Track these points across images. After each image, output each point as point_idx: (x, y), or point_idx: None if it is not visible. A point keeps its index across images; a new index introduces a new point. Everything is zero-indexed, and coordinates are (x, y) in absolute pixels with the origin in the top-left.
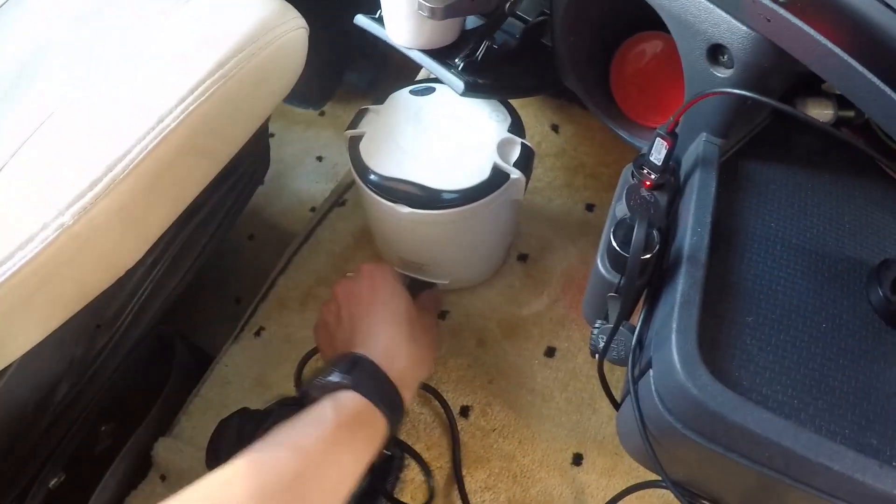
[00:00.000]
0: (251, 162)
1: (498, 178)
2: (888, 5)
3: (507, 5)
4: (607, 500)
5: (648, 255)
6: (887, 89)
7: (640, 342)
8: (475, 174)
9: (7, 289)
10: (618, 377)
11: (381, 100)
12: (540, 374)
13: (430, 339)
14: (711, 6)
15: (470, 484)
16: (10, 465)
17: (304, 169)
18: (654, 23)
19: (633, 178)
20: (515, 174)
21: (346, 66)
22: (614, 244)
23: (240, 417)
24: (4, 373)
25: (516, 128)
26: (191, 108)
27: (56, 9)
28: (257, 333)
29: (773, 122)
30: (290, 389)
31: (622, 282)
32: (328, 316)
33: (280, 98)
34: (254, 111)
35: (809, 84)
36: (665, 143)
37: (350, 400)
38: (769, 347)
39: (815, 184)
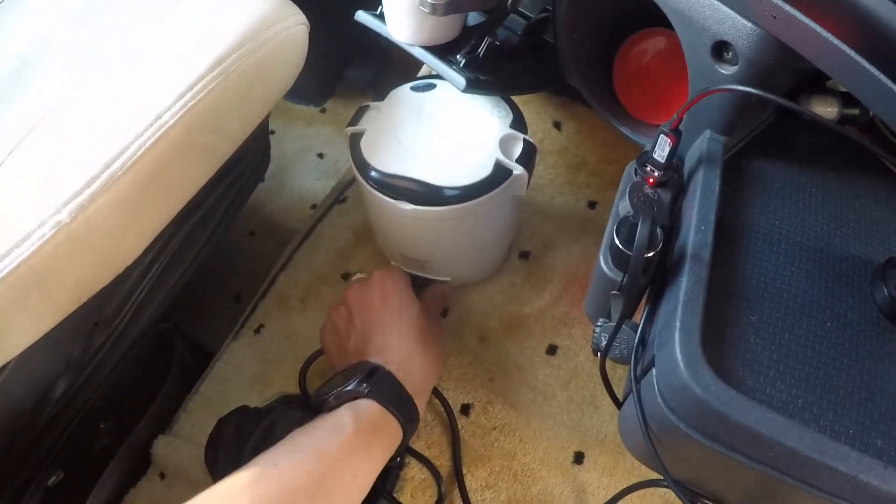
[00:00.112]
0: (251, 159)
1: (500, 174)
2: (894, 1)
3: (509, 2)
4: (608, 498)
5: (652, 253)
6: (894, 86)
7: (642, 341)
8: (477, 170)
9: (3, 287)
10: (619, 376)
11: (381, 96)
12: (541, 372)
13: (438, 348)
14: (716, 3)
15: (470, 482)
16: (8, 463)
17: (305, 166)
18: (658, 19)
19: (636, 175)
20: (518, 170)
21: (347, 63)
22: (617, 242)
23: (239, 415)
24: (2, 371)
25: (518, 124)
26: (189, 104)
27: (55, 8)
28: (257, 331)
29: (777, 119)
30: (290, 387)
31: (625, 280)
32: (338, 320)
33: (280, 95)
34: (254, 108)
35: (814, 82)
36: (669, 141)
37: (369, 409)
38: (773, 346)
39: (819, 182)
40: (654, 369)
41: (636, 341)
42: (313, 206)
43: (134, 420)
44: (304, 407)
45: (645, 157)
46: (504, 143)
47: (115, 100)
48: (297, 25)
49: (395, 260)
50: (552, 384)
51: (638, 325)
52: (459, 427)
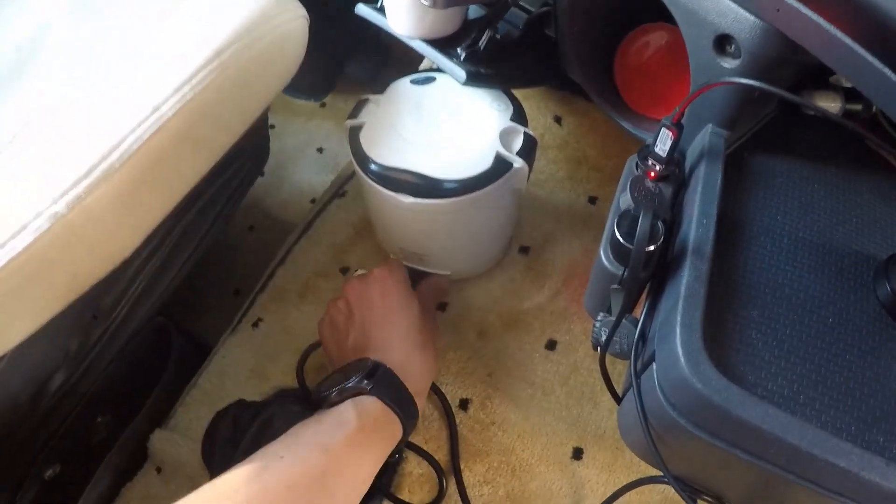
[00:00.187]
0: (250, 153)
1: (500, 166)
2: None
3: None
4: (607, 494)
5: (653, 247)
6: None
7: (643, 335)
8: (477, 163)
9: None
10: (619, 371)
11: (382, 91)
12: (540, 367)
13: (434, 348)
14: None
15: (468, 478)
16: (5, 456)
17: (304, 160)
18: (660, 13)
19: (637, 169)
20: (518, 163)
21: (347, 57)
22: (618, 235)
23: (236, 409)
24: None
25: (518, 116)
26: (188, 96)
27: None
28: (255, 325)
29: (779, 115)
30: (287, 381)
31: (625, 274)
32: (337, 315)
33: (279, 88)
34: (252, 101)
35: (816, 77)
36: (671, 134)
37: (371, 405)
38: (775, 342)
39: (821, 177)
40: (654, 364)
41: (636, 336)
42: (313, 201)
43: (131, 414)
44: (301, 401)
45: (646, 151)
46: (504, 136)
47: (113, 92)
48: (297, 18)
49: (394, 254)
50: (551, 379)
51: (638, 320)
52: (458, 422)
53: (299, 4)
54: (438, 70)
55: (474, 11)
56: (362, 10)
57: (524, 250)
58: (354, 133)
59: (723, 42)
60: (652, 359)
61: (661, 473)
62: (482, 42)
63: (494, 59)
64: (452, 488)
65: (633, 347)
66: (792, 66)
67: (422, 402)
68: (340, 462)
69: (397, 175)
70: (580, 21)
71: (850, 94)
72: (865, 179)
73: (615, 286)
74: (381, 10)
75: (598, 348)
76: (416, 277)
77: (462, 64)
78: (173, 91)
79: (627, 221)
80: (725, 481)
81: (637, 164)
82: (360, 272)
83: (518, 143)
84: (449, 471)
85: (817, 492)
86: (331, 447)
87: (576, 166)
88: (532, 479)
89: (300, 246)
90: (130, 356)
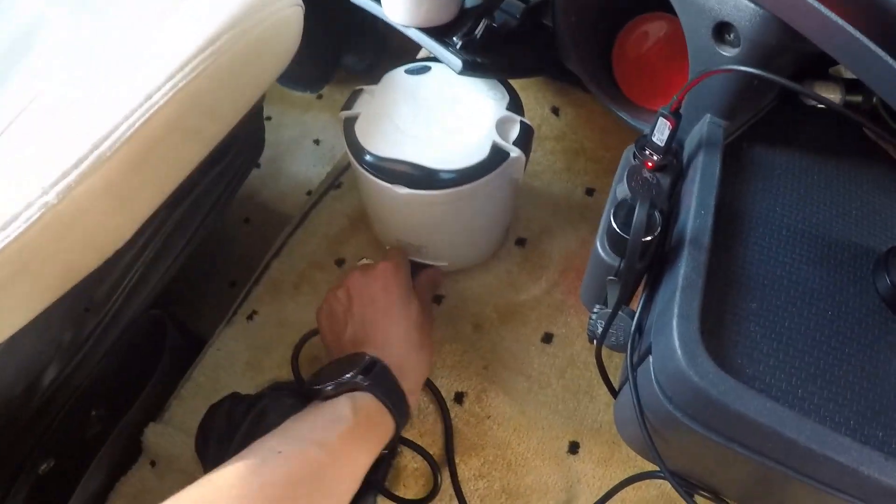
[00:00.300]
0: (245, 143)
1: (497, 156)
2: None
3: None
4: (603, 489)
5: (650, 238)
6: None
7: (639, 328)
8: (474, 153)
9: None
10: (616, 364)
11: (377, 80)
12: (537, 360)
13: (432, 345)
14: None
15: (463, 472)
16: None
17: (301, 152)
18: (658, 2)
19: (634, 159)
20: (515, 152)
21: (344, 48)
22: (614, 225)
23: (230, 402)
24: None
25: (515, 106)
26: (180, 85)
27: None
28: (250, 317)
29: (778, 105)
30: (282, 374)
31: (622, 265)
32: (336, 305)
33: (273, 77)
34: (246, 90)
35: (816, 68)
36: (668, 124)
37: (366, 401)
38: (773, 335)
39: (821, 169)
40: (650, 357)
41: (633, 328)
42: (309, 193)
43: (126, 407)
44: (295, 394)
45: (644, 141)
46: (501, 126)
47: (105, 84)
48: (291, 6)
49: (390, 245)
50: (547, 373)
51: (635, 312)
52: (453, 416)
53: None
54: (434, 59)
55: (471, 0)
56: None
57: (521, 242)
58: (349, 124)
59: (722, 30)
60: (648, 351)
61: (659, 468)
62: (478, 31)
63: (491, 49)
64: (447, 483)
65: (630, 340)
66: (792, 54)
67: (414, 400)
68: (337, 457)
69: (393, 166)
70: (578, 10)
71: (851, 86)
72: (865, 171)
73: (612, 277)
74: None
75: (595, 341)
76: (411, 269)
77: (458, 53)
78: (165, 79)
79: (624, 211)
80: (723, 476)
81: (634, 153)
82: (364, 261)
83: (515, 132)
84: (444, 465)
85: (816, 487)
86: (327, 442)
87: (573, 157)
88: (528, 473)
89: (295, 238)
90: (125, 349)
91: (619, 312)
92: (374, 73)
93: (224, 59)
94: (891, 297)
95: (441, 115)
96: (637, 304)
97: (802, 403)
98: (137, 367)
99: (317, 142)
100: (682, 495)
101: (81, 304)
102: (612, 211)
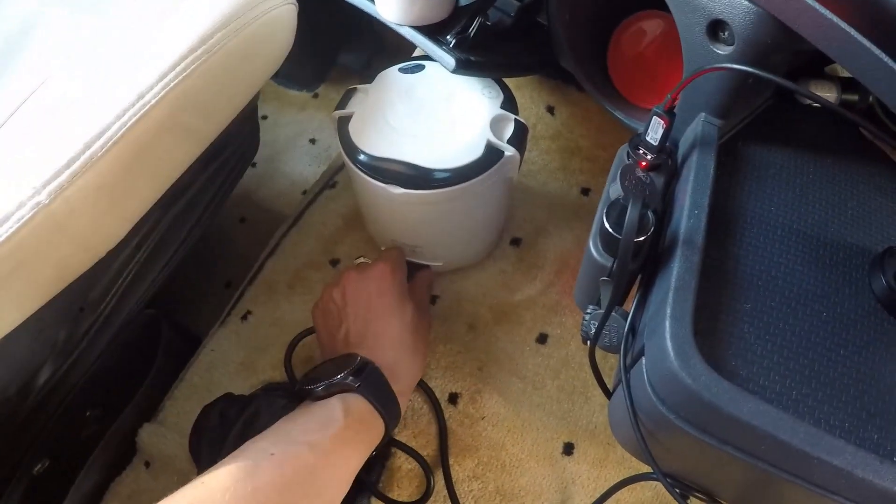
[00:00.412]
0: (239, 143)
1: (491, 155)
2: None
3: None
4: (598, 490)
5: (642, 238)
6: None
7: (632, 329)
8: (468, 152)
9: None
10: (611, 365)
11: (371, 79)
12: (531, 361)
13: (426, 347)
14: None
15: (457, 473)
16: None
17: (297, 151)
18: (653, 1)
19: (628, 158)
20: (509, 151)
21: (340, 47)
22: (607, 225)
23: (223, 403)
24: None
25: (509, 104)
26: (172, 83)
27: None
28: (244, 318)
29: (774, 104)
30: (276, 374)
31: (615, 265)
32: (330, 304)
33: (267, 76)
34: (239, 88)
35: (812, 66)
36: (662, 123)
37: (357, 403)
38: (767, 336)
39: (816, 169)
40: (643, 358)
41: (626, 329)
42: (304, 192)
43: (120, 407)
44: (288, 394)
45: (638, 140)
46: (495, 124)
47: (104, 81)
48: (284, 4)
49: (384, 245)
50: (542, 373)
51: (628, 313)
52: (447, 416)
53: None
54: (429, 58)
55: None
56: None
57: (516, 242)
58: (343, 123)
59: (716, 28)
60: (641, 353)
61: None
62: (472, 29)
63: (485, 47)
64: (441, 484)
65: (623, 341)
66: (787, 53)
67: (405, 402)
68: (328, 459)
69: (387, 165)
70: (572, 8)
71: (847, 84)
72: (861, 171)
73: (604, 278)
74: None
75: (588, 342)
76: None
77: (451, 51)
78: (158, 78)
79: (617, 211)
80: (717, 478)
81: (628, 153)
82: (361, 260)
83: (509, 130)
84: (438, 466)
85: (810, 489)
86: (319, 444)
87: (568, 157)
88: (522, 474)
89: (290, 238)
90: (120, 349)
91: (613, 313)
92: (370, 71)
93: (216, 58)
94: (887, 299)
95: (435, 114)
96: (630, 305)
97: (797, 406)
98: (132, 367)
99: (313, 141)
100: (675, 497)
101: (76, 304)
102: (604, 211)
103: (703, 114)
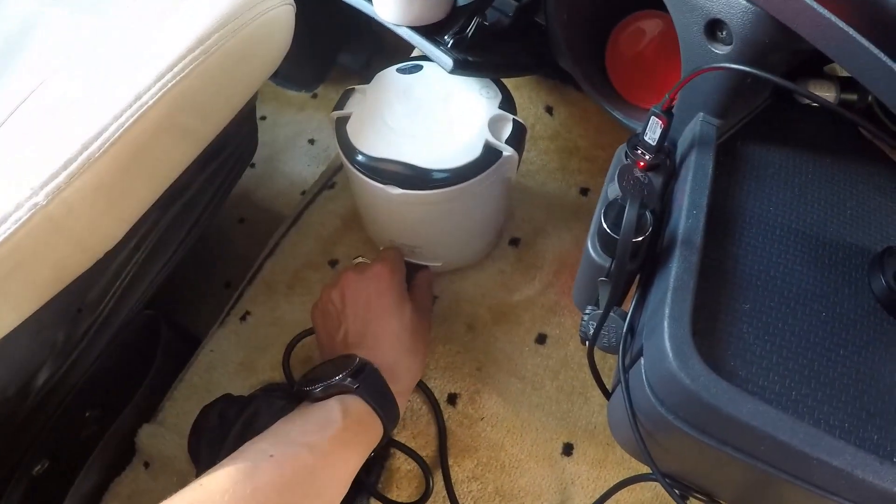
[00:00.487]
0: (238, 143)
1: (490, 155)
2: None
3: None
4: (597, 491)
5: (640, 238)
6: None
7: (631, 329)
8: (466, 152)
9: None
10: (610, 365)
11: (369, 80)
12: (530, 361)
13: (425, 348)
14: None
15: (457, 474)
16: None
17: (296, 152)
18: (651, 1)
19: (626, 158)
20: (508, 151)
21: (339, 47)
22: (605, 226)
23: (222, 404)
24: None
25: (507, 104)
26: (170, 84)
27: None
28: (243, 318)
29: (773, 104)
30: (276, 375)
31: (613, 265)
32: (329, 305)
33: (265, 76)
34: (237, 89)
35: (811, 66)
36: (660, 122)
37: (356, 404)
38: (766, 336)
39: (815, 168)
40: (642, 359)
41: (625, 329)
42: (303, 192)
43: (120, 408)
44: (287, 395)
45: (636, 140)
46: (493, 124)
47: (104, 81)
48: (282, 5)
49: (383, 245)
50: (541, 374)
51: (627, 314)
52: (446, 417)
53: None
54: (426, 58)
55: None
56: None
57: (514, 242)
58: (341, 124)
59: (714, 27)
60: (640, 353)
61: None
62: (470, 29)
63: (483, 47)
64: (440, 485)
65: (622, 341)
66: (785, 52)
67: (404, 404)
68: (327, 460)
69: (385, 166)
70: (570, 8)
71: (846, 84)
72: (860, 170)
73: (603, 278)
74: None
75: (587, 342)
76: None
77: (449, 51)
78: (155, 79)
79: (615, 211)
80: (717, 479)
81: (626, 153)
82: (359, 260)
83: (507, 130)
84: (437, 467)
85: (810, 490)
86: (318, 446)
87: (567, 157)
88: (521, 475)
89: (289, 238)
90: (119, 350)
91: (611, 314)
92: (369, 72)
93: (214, 58)
94: (886, 298)
95: (433, 115)
96: (629, 306)
97: (796, 406)
98: (131, 367)
99: (311, 141)
100: (674, 498)
101: (74, 304)
102: (602, 211)
103: (702, 113)
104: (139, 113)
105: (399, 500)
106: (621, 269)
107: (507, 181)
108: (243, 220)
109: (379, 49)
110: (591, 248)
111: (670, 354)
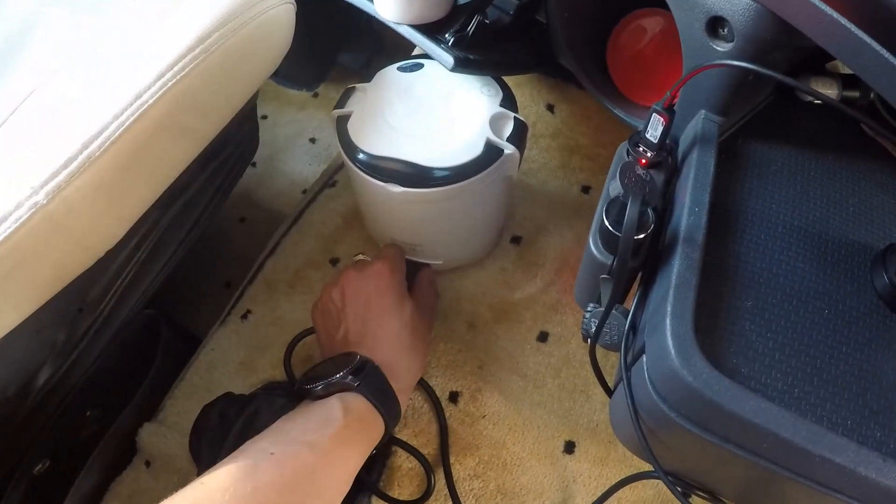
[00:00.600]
0: (238, 143)
1: (491, 153)
2: None
3: None
4: (599, 489)
5: (642, 235)
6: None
7: (633, 326)
8: (467, 150)
9: None
10: (612, 363)
11: (370, 78)
12: (532, 359)
13: (426, 346)
14: None
15: (458, 472)
16: None
17: (297, 151)
18: None
19: (628, 156)
20: (509, 149)
21: (340, 46)
22: (606, 223)
23: (223, 403)
24: None
25: (508, 102)
26: (170, 83)
27: None
28: (244, 317)
29: (775, 101)
30: (276, 374)
31: (615, 263)
32: (329, 304)
33: (265, 75)
34: (237, 88)
35: (813, 63)
36: (662, 120)
37: (357, 402)
38: (768, 333)
39: (817, 166)
40: (644, 356)
41: (627, 327)
42: (304, 191)
43: (120, 407)
44: (287, 394)
45: (637, 137)
46: (494, 122)
47: (104, 81)
48: (282, 4)
49: (384, 243)
50: (543, 372)
51: (629, 311)
52: (447, 415)
53: None
54: (427, 57)
55: None
56: None
57: (516, 240)
58: (342, 122)
59: (715, 24)
60: (642, 351)
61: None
62: (471, 27)
63: (483, 45)
64: (442, 483)
65: (624, 339)
66: (787, 49)
67: (405, 400)
68: (328, 459)
69: (386, 164)
70: (571, 6)
71: (848, 81)
72: (862, 168)
73: (605, 276)
74: None
75: (588, 340)
76: (406, 267)
77: (449, 50)
78: (155, 78)
79: (616, 209)
80: (719, 477)
81: (628, 150)
82: (360, 258)
83: (508, 128)
84: (438, 465)
85: (812, 487)
86: (319, 444)
87: (569, 155)
88: (523, 473)
89: (290, 237)
90: (119, 349)
91: (613, 311)
92: (370, 70)
93: (214, 57)
94: (888, 295)
95: (434, 113)
96: (631, 303)
97: (798, 403)
98: (132, 367)
99: (313, 140)
100: (676, 495)
101: (75, 304)
102: (604, 208)
103: (703, 111)
104: (139, 112)
105: (400, 499)
106: (623, 267)
107: (508, 179)
108: (244, 220)
109: (379, 48)
110: (593, 246)
111: (672, 352)
